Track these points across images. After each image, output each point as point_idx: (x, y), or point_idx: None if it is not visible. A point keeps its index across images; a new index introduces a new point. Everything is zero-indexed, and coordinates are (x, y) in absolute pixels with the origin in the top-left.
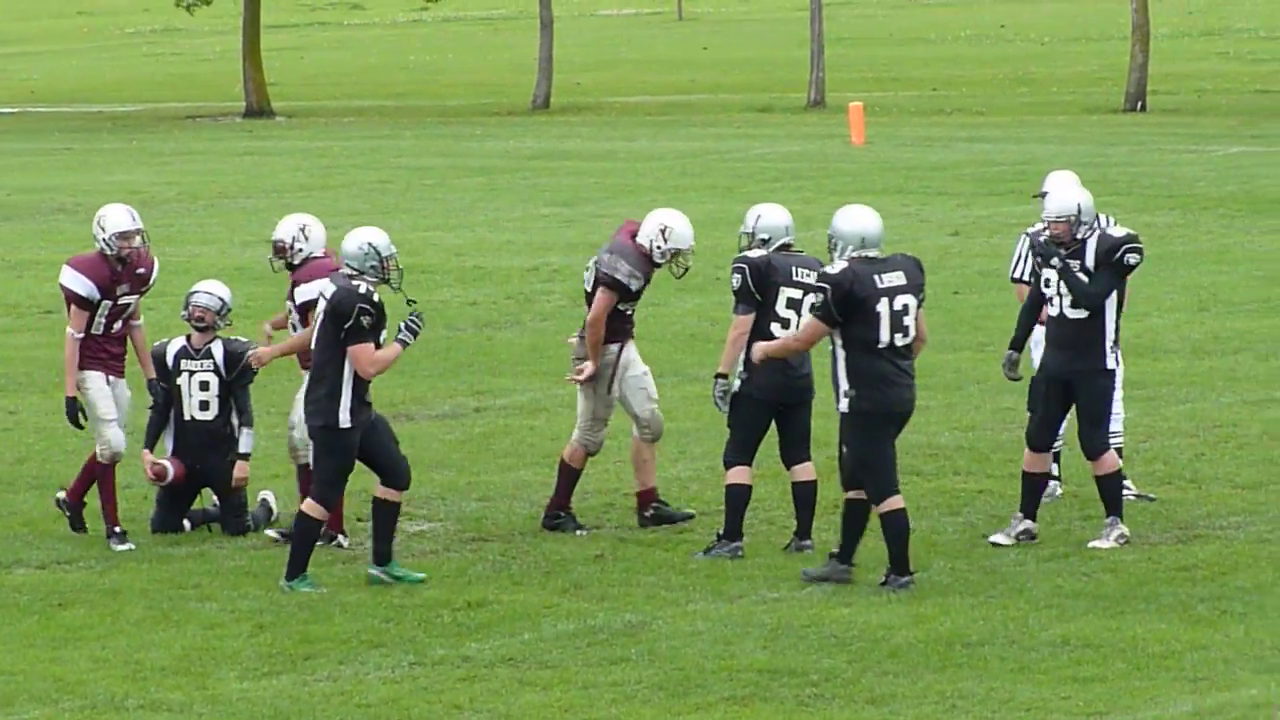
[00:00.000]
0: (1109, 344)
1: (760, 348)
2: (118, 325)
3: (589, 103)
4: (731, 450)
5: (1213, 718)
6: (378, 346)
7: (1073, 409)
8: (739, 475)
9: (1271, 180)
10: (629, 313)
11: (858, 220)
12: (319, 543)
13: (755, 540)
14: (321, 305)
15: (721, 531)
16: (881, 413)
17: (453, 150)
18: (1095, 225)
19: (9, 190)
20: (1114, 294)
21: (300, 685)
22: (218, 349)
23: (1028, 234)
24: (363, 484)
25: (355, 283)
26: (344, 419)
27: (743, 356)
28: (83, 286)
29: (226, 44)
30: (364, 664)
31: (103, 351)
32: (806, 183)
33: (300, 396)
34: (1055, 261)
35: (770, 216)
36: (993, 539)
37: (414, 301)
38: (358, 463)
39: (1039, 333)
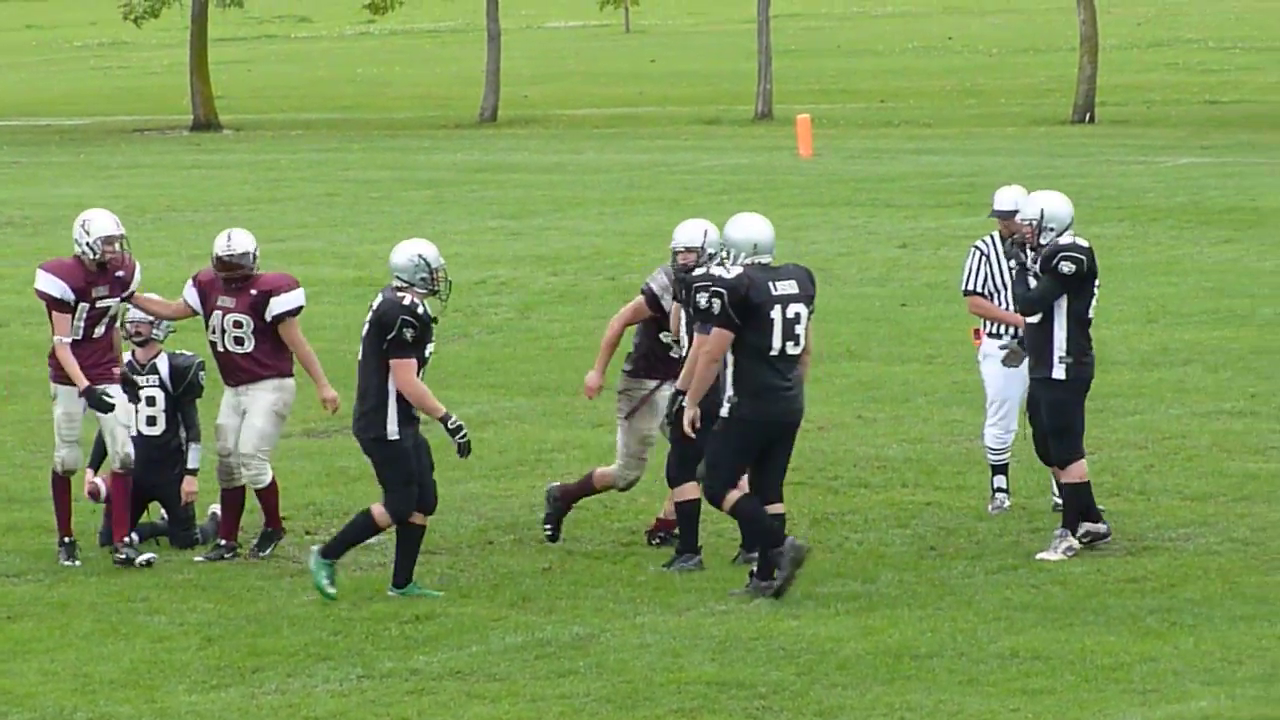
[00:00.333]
0: (1057, 354)
1: (690, 393)
2: (99, 330)
3: (536, 115)
4: (683, 468)
5: None
6: (421, 360)
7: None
8: (690, 491)
9: (1220, 191)
10: (671, 348)
11: (749, 228)
12: (226, 556)
13: (704, 553)
14: (367, 316)
15: (678, 546)
16: (761, 422)
17: (400, 163)
18: (1069, 233)
19: None
20: (1062, 303)
21: (248, 698)
22: (163, 364)
23: (977, 247)
24: (311, 497)
25: (401, 294)
26: (392, 430)
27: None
28: (55, 288)
29: (174, 57)
30: (312, 677)
31: (85, 362)
32: (754, 195)
33: (224, 423)
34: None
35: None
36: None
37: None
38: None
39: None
